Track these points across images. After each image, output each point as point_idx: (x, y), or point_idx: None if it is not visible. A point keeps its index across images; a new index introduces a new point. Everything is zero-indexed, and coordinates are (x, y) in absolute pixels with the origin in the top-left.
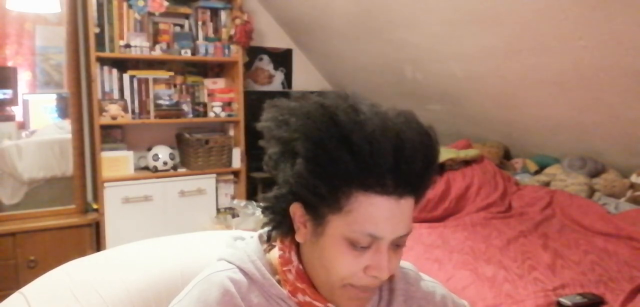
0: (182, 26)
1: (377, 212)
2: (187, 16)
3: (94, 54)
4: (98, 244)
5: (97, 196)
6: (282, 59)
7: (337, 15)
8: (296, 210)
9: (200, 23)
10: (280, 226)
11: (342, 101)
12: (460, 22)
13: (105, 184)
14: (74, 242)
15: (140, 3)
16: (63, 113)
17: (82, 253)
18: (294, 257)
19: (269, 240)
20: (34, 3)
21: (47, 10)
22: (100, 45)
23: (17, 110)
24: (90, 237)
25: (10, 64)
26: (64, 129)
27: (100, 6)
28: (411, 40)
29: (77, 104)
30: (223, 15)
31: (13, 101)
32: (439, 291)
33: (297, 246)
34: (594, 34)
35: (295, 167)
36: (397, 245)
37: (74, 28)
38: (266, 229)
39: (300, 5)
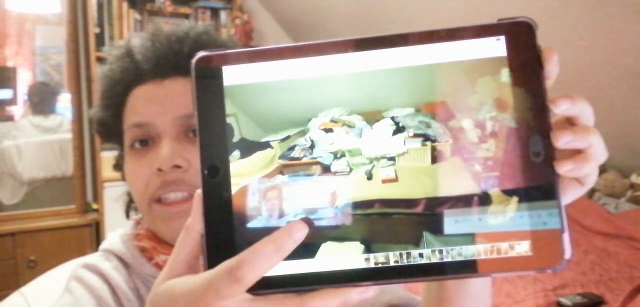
0: None
1: (138, 102)
2: (187, 16)
3: (94, 54)
4: (98, 244)
5: (97, 196)
6: None
7: (337, 15)
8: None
9: (200, 23)
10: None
11: None
12: (460, 23)
13: (105, 184)
14: (74, 242)
15: None
16: None
17: (82, 253)
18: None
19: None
20: (34, 3)
21: (47, 10)
22: (100, 45)
23: (17, 110)
24: (90, 237)
25: (10, 64)
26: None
27: (100, 6)
28: None
29: (77, 104)
30: (223, 15)
31: (13, 101)
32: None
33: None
34: (594, 34)
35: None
36: (184, 132)
37: (74, 28)
38: None
39: (300, 5)
